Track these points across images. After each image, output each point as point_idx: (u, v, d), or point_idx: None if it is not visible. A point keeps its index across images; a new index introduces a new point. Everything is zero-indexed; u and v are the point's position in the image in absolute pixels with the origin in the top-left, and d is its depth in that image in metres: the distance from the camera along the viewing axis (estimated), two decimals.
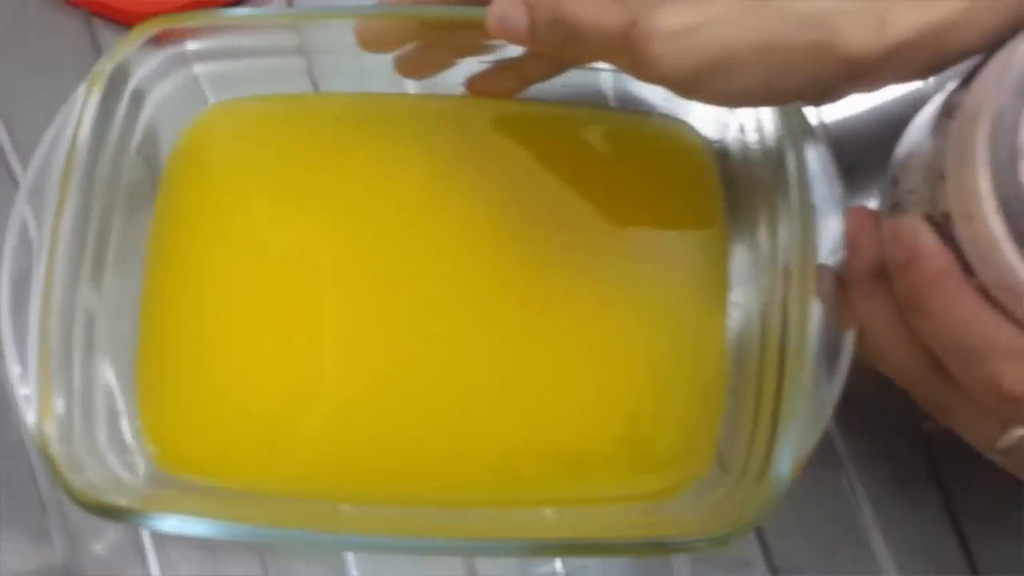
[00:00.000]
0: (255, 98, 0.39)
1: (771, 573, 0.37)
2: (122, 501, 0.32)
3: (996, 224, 0.26)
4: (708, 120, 0.38)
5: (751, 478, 0.32)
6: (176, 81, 0.38)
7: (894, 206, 0.31)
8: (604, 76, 0.39)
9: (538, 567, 0.37)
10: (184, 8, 0.41)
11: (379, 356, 0.37)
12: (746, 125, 0.36)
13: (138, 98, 0.37)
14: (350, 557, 0.37)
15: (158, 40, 0.36)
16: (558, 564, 0.37)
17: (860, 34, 0.25)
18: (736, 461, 0.34)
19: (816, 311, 0.31)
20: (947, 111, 0.29)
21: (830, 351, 0.31)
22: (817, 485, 0.37)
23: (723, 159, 0.38)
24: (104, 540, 0.38)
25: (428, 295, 0.37)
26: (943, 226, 0.28)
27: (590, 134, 0.39)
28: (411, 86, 0.39)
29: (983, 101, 0.27)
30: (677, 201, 0.38)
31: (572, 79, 0.37)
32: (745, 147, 0.36)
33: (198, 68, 0.38)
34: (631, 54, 0.27)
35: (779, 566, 0.37)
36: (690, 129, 0.39)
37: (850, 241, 0.31)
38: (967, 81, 0.29)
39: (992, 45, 0.26)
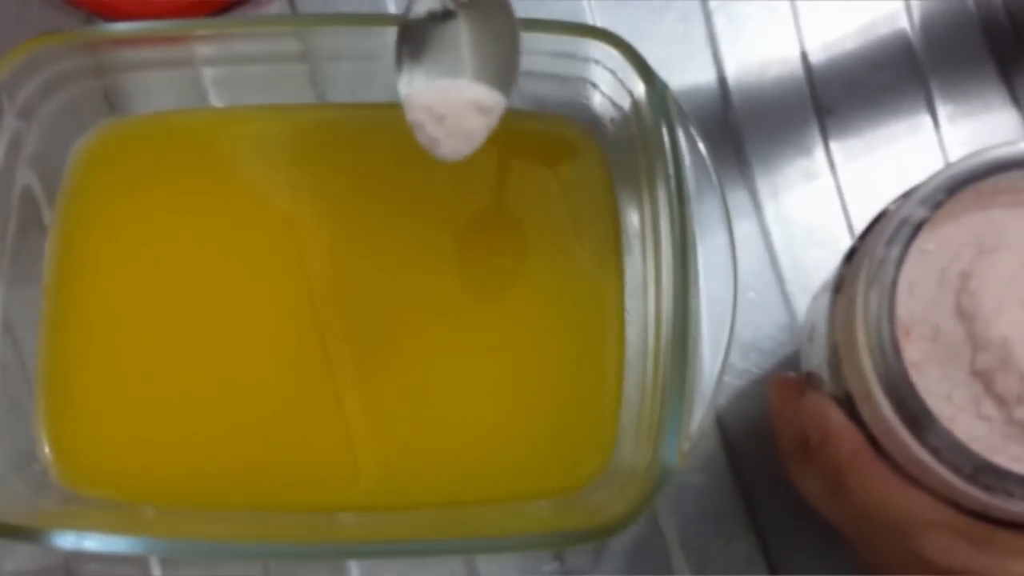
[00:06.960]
0: (152, 114, 0.39)
1: (770, 572, 0.37)
2: (14, 519, 0.32)
3: (888, 406, 0.25)
4: (593, 114, 0.38)
5: (641, 469, 0.32)
6: (67, 97, 0.37)
7: (808, 376, 0.30)
8: None
9: (540, 566, 0.37)
10: (184, 9, 0.40)
11: (279, 370, 0.37)
12: (629, 117, 0.36)
13: (26, 114, 0.36)
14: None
15: (43, 58, 0.36)
16: (560, 563, 0.37)
17: None
18: (629, 455, 0.34)
19: (695, 304, 0.31)
20: (837, 286, 0.28)
21: (712, 345, 0.31)
22: None
23: (610, 150, 0.38)
24: None
25: (332, 305, 0.37)
26: (849, 404, 0.27)
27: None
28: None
29: (860, 281, 0.26)
30: (573, 198, 0.38)
31: None
32: (629, 138, 0.36)
33: (91, 83, 0.38)
34: None
35: (779, 566, 0.37)
36: (578, 125, 0.39)
37: (774, 417, 0.31)
38: (851, 255, 0.28)
39: None
